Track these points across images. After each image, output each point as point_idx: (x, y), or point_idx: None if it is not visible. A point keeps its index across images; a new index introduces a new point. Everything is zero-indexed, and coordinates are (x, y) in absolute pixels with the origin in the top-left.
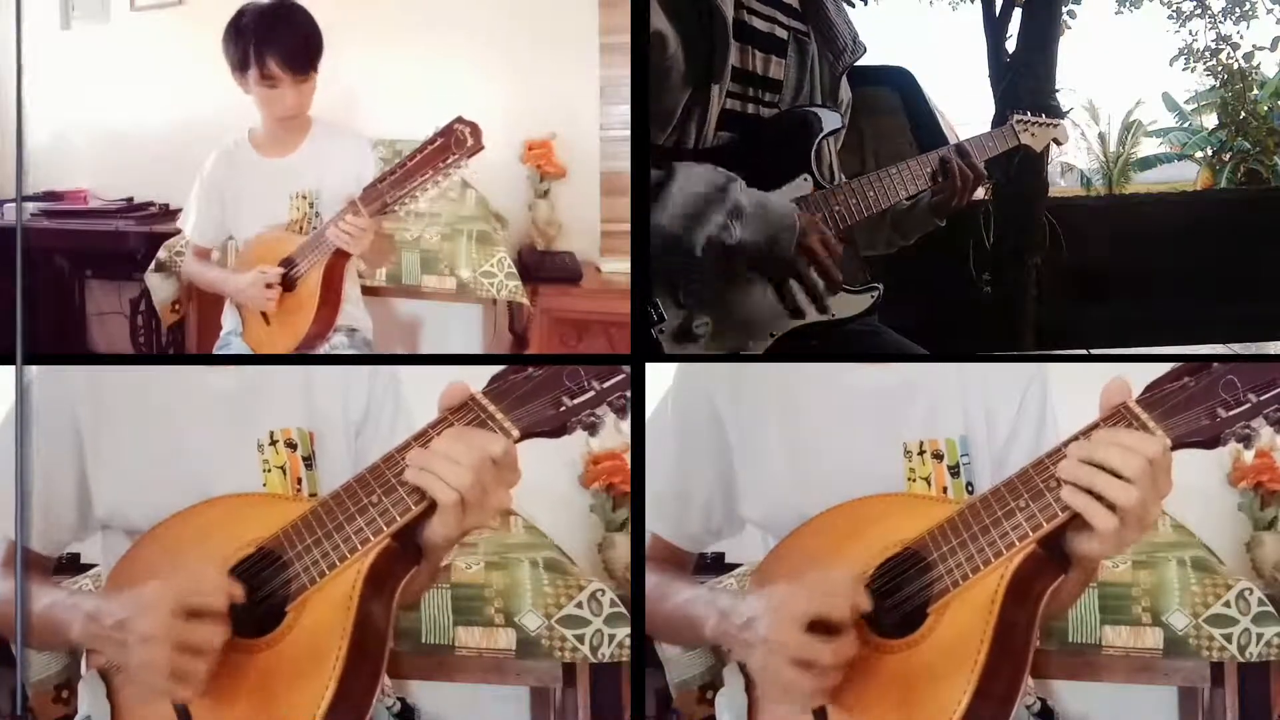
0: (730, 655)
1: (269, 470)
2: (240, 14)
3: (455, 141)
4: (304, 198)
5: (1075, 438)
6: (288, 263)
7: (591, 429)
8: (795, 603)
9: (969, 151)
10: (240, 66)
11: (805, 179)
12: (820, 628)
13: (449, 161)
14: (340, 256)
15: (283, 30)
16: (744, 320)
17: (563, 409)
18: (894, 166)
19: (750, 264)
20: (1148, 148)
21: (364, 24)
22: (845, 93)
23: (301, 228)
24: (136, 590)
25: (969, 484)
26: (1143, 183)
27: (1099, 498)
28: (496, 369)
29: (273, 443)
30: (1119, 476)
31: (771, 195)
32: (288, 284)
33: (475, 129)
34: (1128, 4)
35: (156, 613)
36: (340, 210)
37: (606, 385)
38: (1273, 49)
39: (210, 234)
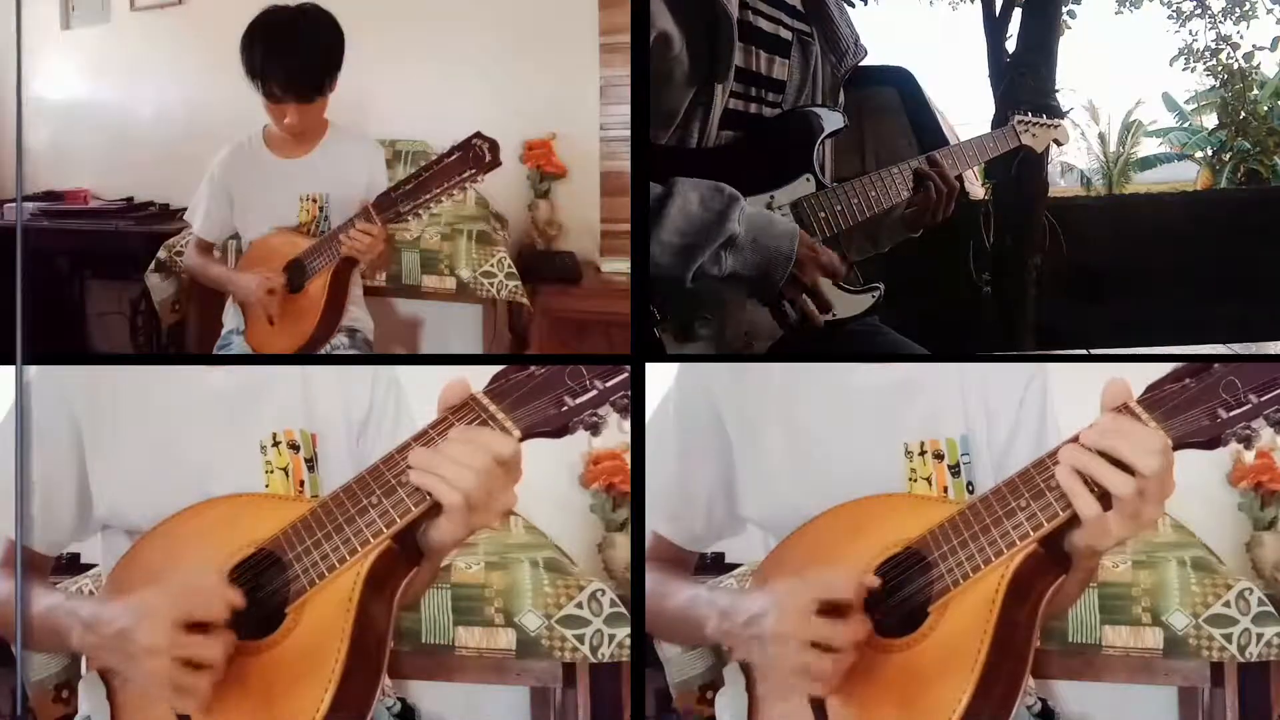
0: (732, 654)
1: (271, 472)
2: (255, 24)
3: (473, 157)
4: (314, 200)
5: (1075, 438)
6: (294, 265)
7: (594, 429)
8: (802, 591)
9: (939, 162)
10: (249, 76)
11: (808, 179)
12: (830, 611)
13: (465, 176)
14: (348, 261)
15: (291, 52)
16: (746, 320)
17: (565, 409)
18: (895, 167)
19: (744, 288)
20: (1148, 148)
21: (366, 25)
22: (840, 95)
23: (310, 230)
24: (135, 597)
25: (969, 484)
26: (1143, 183)
27: (1091, 484)
28: (496, 369)
29: (275, 444)
30: (1123, 467)
31: (773, 221)
32: (294, 286)
33: (494, 145)
34: (1128, 4)
35: (157, 625)
36: (353, 217)
37: (609, 385)
38: (1273, 49)
39: (217, 230)
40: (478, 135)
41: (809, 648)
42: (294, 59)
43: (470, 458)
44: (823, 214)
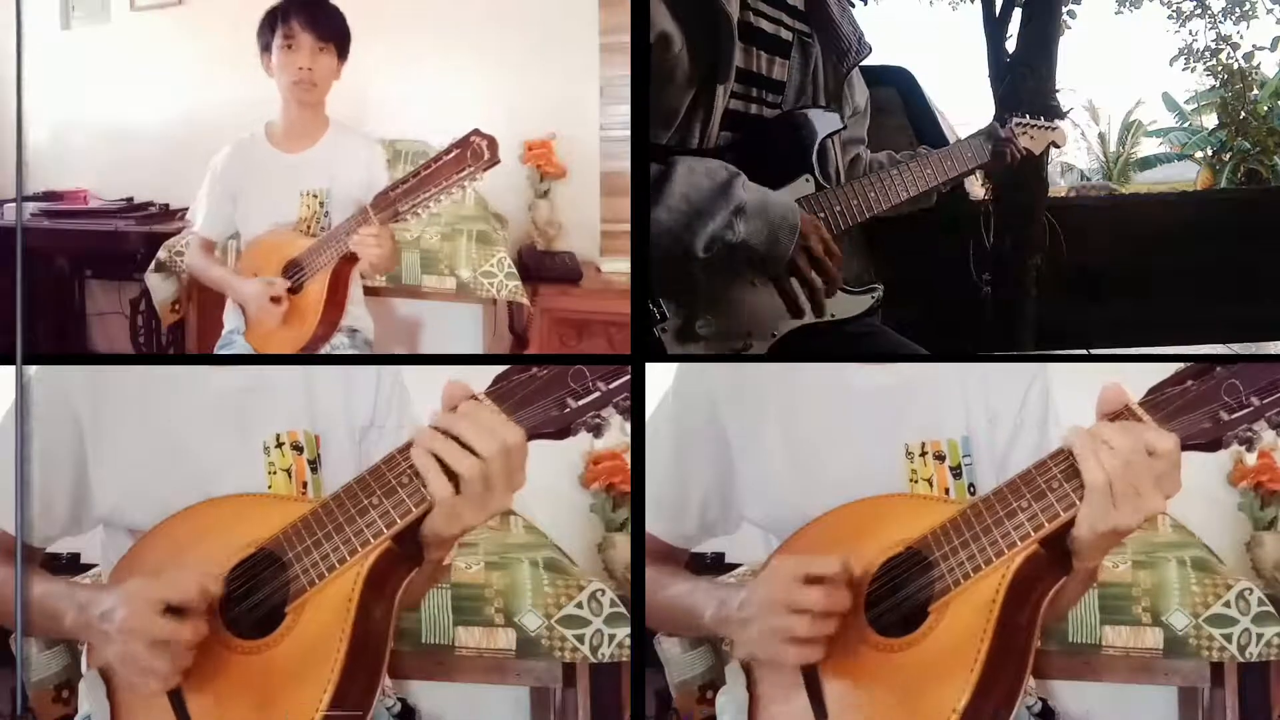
0: (732, 650)
1: (274, 473)
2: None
3: (472, 154)
4: (314, 196)
5: None
6: (293, 266)
7: (596, 430)
8: (790, 565)
9: (1012, 132)
10: (267, 33)
11: (807, 179)
12: (813, 582)
13: (464, 173)
14: (347, 262)
15: (313, 2)
16: (747, 320)
17: (567, 410)
18: (894, 168)
19: (750, 262)
20: (1148, 148)
21: (367, 25)
22: (861, 93)
23: (310, 227)
24: (123, 585)
25: (971, 485)
26: (1143, 183)
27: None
28: (497, 369)
29: (278, 445)
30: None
31: (772, 193)
32: (293, 288)
33: (492, 142)
34: (1128, 4)
35: (134, 606)
36: (351, 217)
37: (612, 386)
38: (1273, 49)
39: (219, 228)
40: (476, 132)
41: (789, 610)
42: (317, 4)
43: (478, 441)
44: (822, 215)
